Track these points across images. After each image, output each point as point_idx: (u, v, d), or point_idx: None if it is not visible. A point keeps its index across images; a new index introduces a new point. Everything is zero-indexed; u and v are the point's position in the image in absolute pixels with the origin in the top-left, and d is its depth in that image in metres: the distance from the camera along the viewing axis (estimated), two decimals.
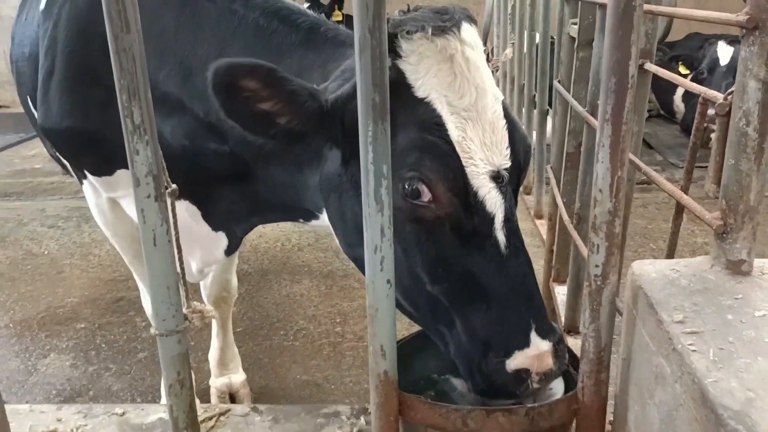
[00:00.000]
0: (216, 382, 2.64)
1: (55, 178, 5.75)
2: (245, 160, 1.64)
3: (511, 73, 4.97)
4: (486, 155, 1.32)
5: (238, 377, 2.65)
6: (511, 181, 1.36)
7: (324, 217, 1.58)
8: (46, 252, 4.25)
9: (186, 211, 1.80)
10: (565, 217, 2.25)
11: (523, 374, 1.29)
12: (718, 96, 1.19)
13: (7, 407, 1.43)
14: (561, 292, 2.58)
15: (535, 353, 1.29)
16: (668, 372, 1.06)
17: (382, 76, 1.11)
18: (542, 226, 3.73)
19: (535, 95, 4.08)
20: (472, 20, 1.38)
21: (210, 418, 1.47)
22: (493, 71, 5.09)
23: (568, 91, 2.47)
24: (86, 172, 1.90)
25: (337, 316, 3.36)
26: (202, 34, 1.63)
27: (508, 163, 1.34)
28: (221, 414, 1.49)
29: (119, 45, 1.08)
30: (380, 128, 1.14)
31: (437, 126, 1.29)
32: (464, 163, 1.29)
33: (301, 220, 1.74)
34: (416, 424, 1.33)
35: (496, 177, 1.32)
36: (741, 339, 1.02)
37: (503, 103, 1.39)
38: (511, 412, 1.26)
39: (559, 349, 1.33)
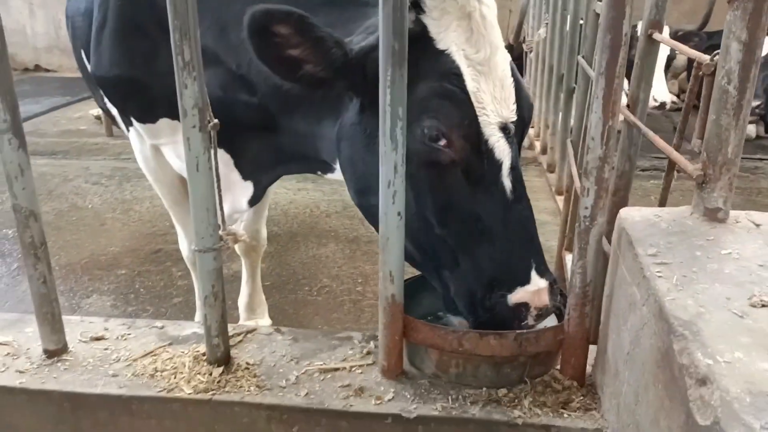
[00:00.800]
0: None
1: (99, 140, 6.04)
2: (272, 112, 1.80)
3: (543, 53, 5.04)
4: (496, 108, 1.46)
5: (264, 321, 2.85)
6: (516, 134, 1.50)
7: (339, 171, 1.72)
8: (89, 206, 4.51)
9: (220, 158, 1.98)
10: (578, 184, 2.37)
11: (522, 308, 1.43)
12: (705, 58, 1.31)
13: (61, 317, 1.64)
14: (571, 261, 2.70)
15: (534, 289, 1.43)
16: (638, 298, 1.20)
17: (402, 26, 1.26)
18: (562, 202, 3.83)
19: (563, 74, 4.16)
20: None
21: (238, 334, 1.65)
22: (527, 52, 5.12)
23: (590, 66, 2.57)
24: (132, 119, 2.10)
25: (359, 277, 3.53)
26: None
27: (514, 117, 1.48)
28: (248, 332, 1.67)
29: None
30: (398, 74, 1.29)
31: (455, 76, 1.43)
32: (477, 113, 1.43)
33: (319, 173, 1.90)
34: (418, 344, 1.50)
35: (504, 128, 1.46)
36: (704, 270, 1.15)
37: (510, 63, 1.52)
38: (502, 336, 1.41)
39: (554, 288, 1.48)
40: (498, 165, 1.45)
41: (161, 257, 3.75)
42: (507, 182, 1.46)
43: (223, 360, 1.53)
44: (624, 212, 1.39)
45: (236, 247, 2.78)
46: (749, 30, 1.18)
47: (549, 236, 3.72)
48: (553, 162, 4.45)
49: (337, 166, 1.74)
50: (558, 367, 1.50)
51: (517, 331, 1.41)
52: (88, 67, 2.16)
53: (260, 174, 2.02)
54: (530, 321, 1.44)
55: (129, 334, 1.67)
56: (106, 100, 2.19)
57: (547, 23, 4.90)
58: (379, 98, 1.31)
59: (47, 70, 9.78)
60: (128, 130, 2.24)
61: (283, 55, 1.42)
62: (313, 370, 1.53)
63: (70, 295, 3.30)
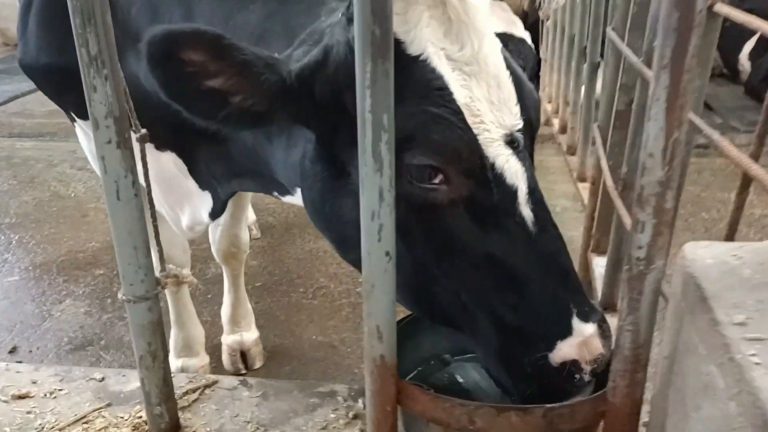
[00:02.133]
0: (227, 339, 2.54)
1: None
2: None
3: (562, 22, 4.59)
4: (496, 116, 1.10)
5: (250, 335, 2.55)
6: (525, 145, 1.15)
7: (297, 196, 1.40)
8: (72, 195, 4.22)
9: (174, 164, 1.64)
10: (610, 182, 2.01)
11: (571, 367, 1.10)
12: None
13: None
14: (599, 264, 2.36)
15: (579, 340, 1.10)
16: (721, 385, 0.86)
17: (385, 4, 0.90)
18: (585, 190, 3.47)
19: (586, 46, 3.74)
20: None
21: (194, 390, 1.34)
22: (543, 20, 4.67)
23: (623, 40, 2.17)
24: (73, 115, 1.76)
25: (359, 275, 3.20)
26: None
27: (520, 122, 1.13)
28: (207, 386, 1.36)
29: None
30: (381, 69, 0.93)
31: (439, 91, 1.07)
32: (476, 131, 1.08)
33: (276, 194, 1.56)
34: (416, 416, 1.17)
35: (511, 142, 1.11)
36: None
37: (502, 51, 1.15)
38: (526, 412, 1.08)
39: (605, 328, 1.14)
40: (512, 191, 1.11)
41: None
42: (526, 211, 1.12)
43: (170, 430, 1.21)
44: (690, 250, 1.03)
45: (214, 253, 2.46)
46: None
47: (569, 225, 3.37)
48: (573, 143, 4.05)
49: (296, 192, 1.41)
50: None
51: (547, 406, 1.07)
52: None
53: (216, 185, 1.68)
54: (587, 378, 1.11)
55: (60, 390, 1.37)
56: None
57: None
58: (357, 103, 0.96)
59: None
60: (73, 125, 1.91)
61: (200, 88, 1.05)
62: None
63: (42, 300, 3.01)
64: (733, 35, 5.83)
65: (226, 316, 2.56)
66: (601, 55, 3.31)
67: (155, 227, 1.14)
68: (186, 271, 1.23)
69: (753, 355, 0.81)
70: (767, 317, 0.87)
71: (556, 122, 4.79)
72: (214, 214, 1.79)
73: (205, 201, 1.73)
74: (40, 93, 6.09)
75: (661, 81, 0.92)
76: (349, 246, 1.26)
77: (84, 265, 3.33)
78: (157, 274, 1.14)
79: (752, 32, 5.55)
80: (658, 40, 0.93)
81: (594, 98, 3.56)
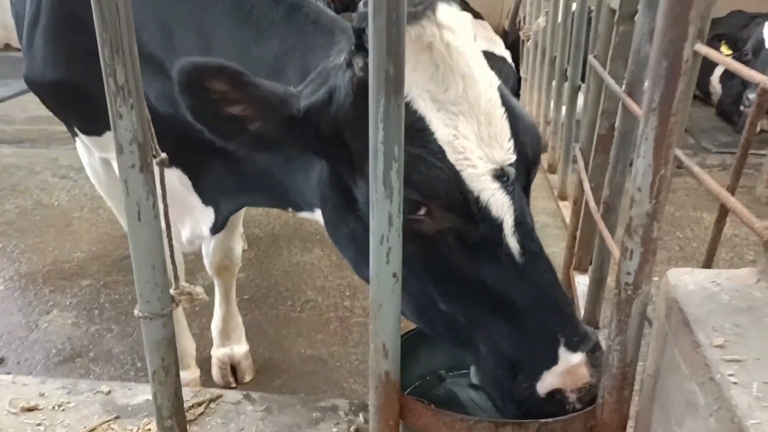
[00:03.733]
0: (217, 353, 2.57)
1: None
2: None
3: (542, 43, 4.72)
4: (485, 152, 1.17)
5: (240, 348, 2.58)
6: (519, 178, 1.21)
7: (317, 214, 1.47)
8: (56, 203, 4.20)
9: (178, 180, 1.69)
10: (592, 204, 2.10)
11: (557, 395, 1.17)
12: None
13: None
14: (582, 282, 2.45)
15: (564, 368, 1.16)
16: (702, 402, 0.94)
17: (398, 44, 0.97)
18: (566, 208, 3.58)
19: (567, 69, 3.86)
20: None
21: (199, 404, 1.39)
22: (523, 40, 4.80)
23: (604, 68, 2.28)
24: (76, 130, 1.80)
25: (346, 288, 3.26)
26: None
27: (512, 158, 1.19)
28: (212, 400, 1.41)
29: None
30: (393, 103, 1.01)
31: (420, 132, 1.15)
32: (459, 167, 1.15)
33: (291, 210, 1.63)
34: (418, 429, 1.23)
35: (499, 176, 1.17)
36: None
37: (500, 88, 1.23)
38: (522, 426, 1.15)
39: (596, 356, 1.20)
40: (498, 224, 1.17)
41: (130, 264, 3.38)
42: (513, 242, 1.18)
43: None
44: (673, 277, 1.12)
45: (207, 266, 2.49)
46: None
47: (550, 241, 3.47)
48: (554, 162, 4.17)
49: (311, 210, 1.49)
50: None
51: (540, 421, 1.14)
52: None
53: (221, 200, 1.73)
54: (577, 405, 1.17)
55: (68, 403, 1.40)
56: None
57: (546, 12, 4.59)
58: (370, 135, 1.03)
59: (18, 50, 9.27)
60: (74, 139, 1.94)
61: (221, 113, 1.15)
62: None
63: (29, 310, 3.00)
64: (704, 59, 6.04)
65: (216, 330, 2.60)
66: (582, 78, 3.43)
67: (171, 247, 1.19)
68: (199, 289, 1.28)
69: (731, 375, 0.89)
70: (744, 340, 0.95)
71: None
72: (215, 229, 1.83)
73: (207, 216, 1.78)
74: (20, 98, 6.01)
75: (650, 122, 1.00)
76: (362, 265, 1.31)
77: (70, 275, 3.32)
78: (171, 291, 1.19)
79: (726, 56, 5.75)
80: (648, 85, 1.01)
81: (574, 119, 3.68)
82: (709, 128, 6.00)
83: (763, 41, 5.56)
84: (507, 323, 1.16)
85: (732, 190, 1.24)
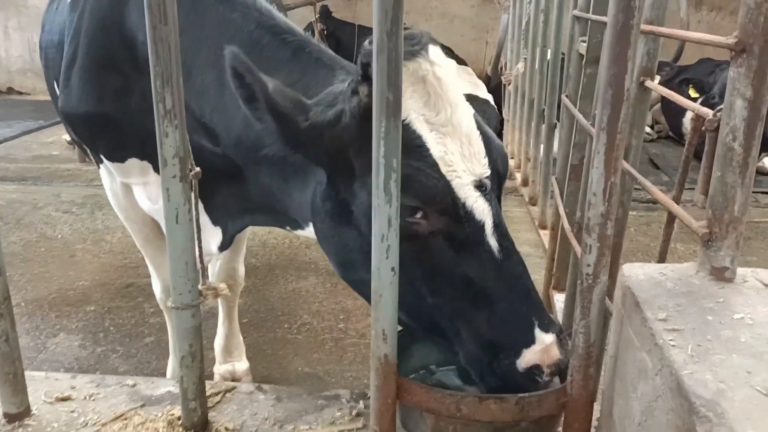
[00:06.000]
0: (220, 369, 2.71)
1: (71, 165, 5.86)
2: (237, 163, 1.73)
3: (522, 87, 5.05)
4: (467, 166, 1.41)
5: (241, 365, 2.73)
6: (492, 189, 1.45)
7: (309, 229, 1.66)
8: (59, 236, 4.35)
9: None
10: (567, 225, 2.32)
11: (534, 370, 1.37)
12: (709, 113, 1.27)
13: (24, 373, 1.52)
14: (560, 300, 2.64)
15: (541, 347, 1.37)
16: (650, 366, 1.13)
17: (397, 77, 1.20)
18: (546, 236, 3.80)
19: (544, 109, 4.16)
20: (435, 42, 1.47)
21: (216, 394, 1.55)
22: (505, 84, 5.11)
23: (575, 106, 2.54)
24: (101, 157, 2.00)
25: (340, 313, 3.43)
26: (204, 38, 1.73)
27: (488, 172, 1.43)
28: (227, 390, 1.57)
29: (157, 35, 1.17)
30: (392, 125, 1.22)
31: (418, 147, 1.38)
32: (449, 177, 1.38)
33: (288, 228, 1.82)
34: (413, 407, 1.41)
35: (479, 186, 1.41)
36: (718, 337, 1.09)
37: (475, 116, 1.47)
38: (503, 400, 1.33)
39: (562, 338, 1.41)
40: (480, 225, 1.40)
41: (132, 292, 3.61)
42: (492, 241, 1.40)
43: (201, 425, 1.42)
44: (627, 269, 1.33)
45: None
46: (754, 87, 1.14)
47: (533, 270, 3.63)
48: (535, 195, 4.42)
49: (308, 226, 1.67)
50: (560, 431, 1.42)
51: (519, 395, 1.33)
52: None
53: (228, 220, 1.93)
54: (544, 381, 1.37)
55: (98, 394, 1.56)
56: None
57: (525, 58, 4.92)
58: (373, 150, 1.24)
59: (20, 93, 9.55)
60: (99, 166, 2.14)
61: (253, 97, 1.37)
62: None
63: (36, 333, 3.14)
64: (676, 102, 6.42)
65: (219, 347, 2.75)
66: (557, 118, 3.71)
67: (200, 248, 1.38)
68: (222, 285, 1.46)
69: (671, 340, 1.09)
70: (682, 315, 1.16)
71: (518, 176, 5.19)
72: (223, 247, 2.03)
73: (215, 235, 1.97)
74: (22, 139, 6.22)
75: (600, 139, 1.23)
76: (350, 268, 1.54)
77: (75, 302, 3.46)
78: (199, 286, 1.37)
79: (694, 99, 6.12)
80: (598, 109, 1.25)
81: (552, 155, 3.95)
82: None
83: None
84: (488, 310, 1.36)
85: (677, 199, 1.47)
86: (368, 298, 1.64)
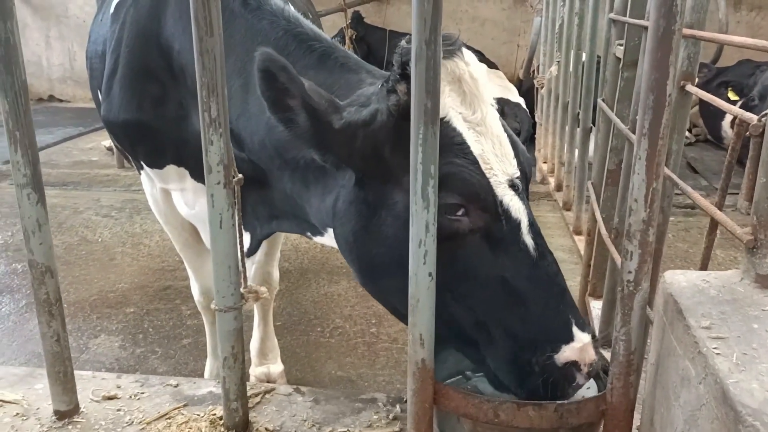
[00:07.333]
0: (255, 371, 2.75)
1: (110, 171, 6.02)
2: (262, 168, 1.76)
3: (555, 90, 5.01)
4: (501, 166, 1.42)
5: (276, 367, 2.76)
6: (522, 189, 1.46)
7: (328, 236, 1.68)
8: (99, 239, 4.47)
9: None
10: (604, 231, 2.30)
11: (571, 367, 1.36)
12: (753, 118, 1.25)
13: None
14: (596, 307, 2.62)
15: (580, 345, 1.37)
16: (693, 374, 1.12)
17: (435, 84, 1.21)
18: (580, 242, 3.76)
19: (579, 113, 4.12)
20: (465, 46, 1.48)
21: (256, 395, 1.58)
22: (538, 88, 5.09)
23: (612, 110, 2.52)
24: (142, 163, 2.06)
25: (372, 317, 3.45)
26: (232, 46, 1.74)
27: (518, 172, 1.44)
28: (267, 392, 1.60)
29: (203, 46, 1.20)
30: (430, 131, 1.24)
31: (459, 145, 1.39)
32: (488, 176, 1.39)
33: (309, 234, 1.83)
34: (450, 412, 1.41)
35: (513, 186, 1.42)
36: (764, 346, 1.07)
37: (500, 119, 1.49)
38: (541, 407, 1.33)
39: (596, 342, 1.41)
40: (517, 224, 1.41)
41: (170, 294, 3.68)
42: (528, 239, 1.41)
43: (242, 425, 1.45)
44: (669, 276, 1.31)
45: None
46: None
47: (567, 275, 3.59)
48: (569, 200, 4.38)
49: (327, 232, 1.68)
50: None
51: (558, 402, 1.33)
52: None
53: (256, 225, 1.97)
54: (581, 380, 1.37)
55: (142, 393, 1.60)
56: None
57: (558, 61, 4.88)
58: (410, 156, 1.26)
59: (61, 101, 9.84)
60: (140, 173, 2.20)
61: (282, 101, 1.37)
62: None
63: (78, 334, 3.23)
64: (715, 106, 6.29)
65: (254, 349, 2.79)
66: (593, 122, 3.67)
67: (242, 253, 1.42)
68: (263, 289, 1.49)
69: (715, 348, 1.08)
70: (726, 323, 1.14)
71: (552, 181, 5.14)
72: (251, 252, 2.06)
73: (245, 240, 2.01)
74: (63, 145, 6.41)
75: (642, 145, 1.23)
76: (375, 273, 1.54)
77: (115, 304, 3.55)
78: (241, 290, 1.41)
79: (733, 102, 5.99)
80: (639, 114, 1.24)
81: (587, 159, 3.91)
82: (720, 170, 6.15)
83: None
84: (526, 307, 1.37)
85: (719, 206, 1.45)
86: (388, 305, 1.65)
